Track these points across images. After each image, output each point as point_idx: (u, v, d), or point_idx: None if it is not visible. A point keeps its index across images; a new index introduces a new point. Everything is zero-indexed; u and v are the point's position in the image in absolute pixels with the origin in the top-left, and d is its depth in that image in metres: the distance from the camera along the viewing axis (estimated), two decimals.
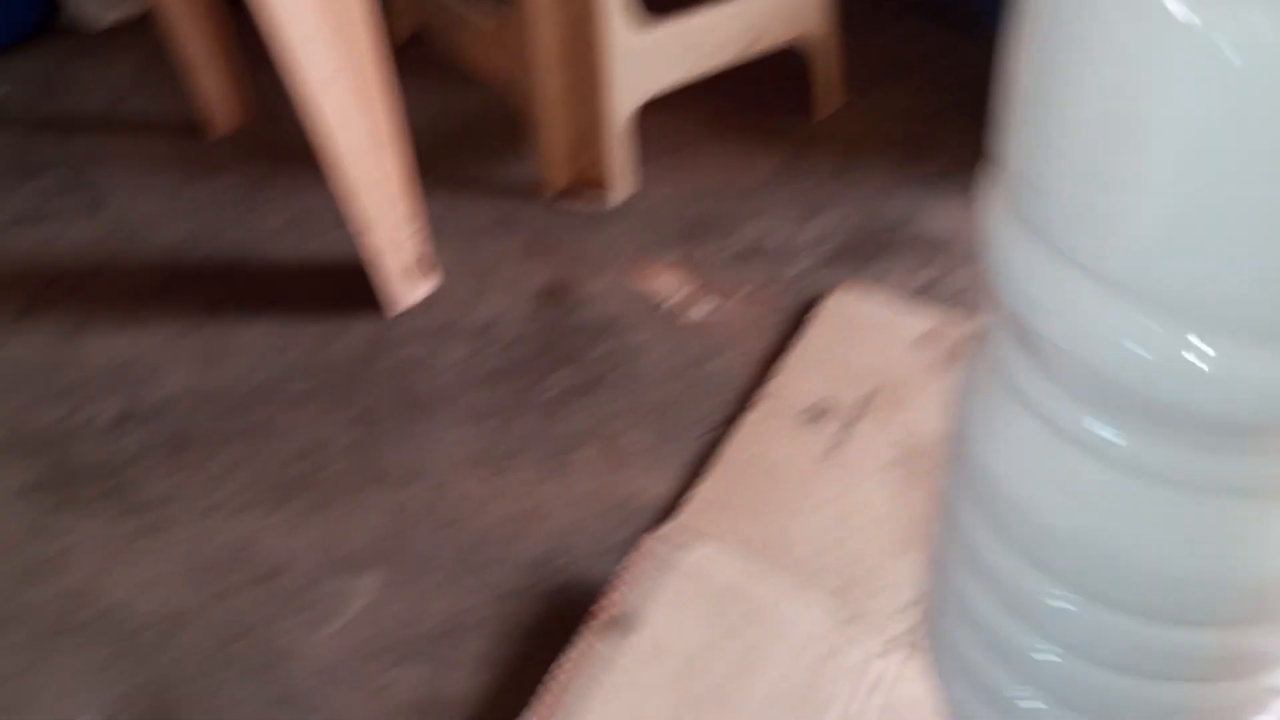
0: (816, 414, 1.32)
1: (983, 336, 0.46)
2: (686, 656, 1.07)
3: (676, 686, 1.06)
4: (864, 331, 1.43)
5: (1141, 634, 0.41)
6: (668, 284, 1.54)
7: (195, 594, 1.21)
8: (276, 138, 1.85)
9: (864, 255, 1.57)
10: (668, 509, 1.25)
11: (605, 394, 1.40)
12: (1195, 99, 0.30)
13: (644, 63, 1.59)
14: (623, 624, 1.09)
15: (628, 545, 1.22)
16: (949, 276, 1.52)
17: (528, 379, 1.42)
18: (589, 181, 1.69)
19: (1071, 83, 0.33)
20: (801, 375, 1.37)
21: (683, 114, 1.83)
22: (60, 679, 1.14)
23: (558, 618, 1.16)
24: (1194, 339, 0.32)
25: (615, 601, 1.11)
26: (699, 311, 1.50)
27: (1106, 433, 0.37)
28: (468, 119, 1.90)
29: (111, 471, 1.33)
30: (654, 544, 1.16)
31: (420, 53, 1.94)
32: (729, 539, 1.19)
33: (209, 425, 1.38)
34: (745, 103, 1.89)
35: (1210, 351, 0.31)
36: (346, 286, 1.54)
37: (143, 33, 2.12)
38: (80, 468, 1.34)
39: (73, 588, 1.22)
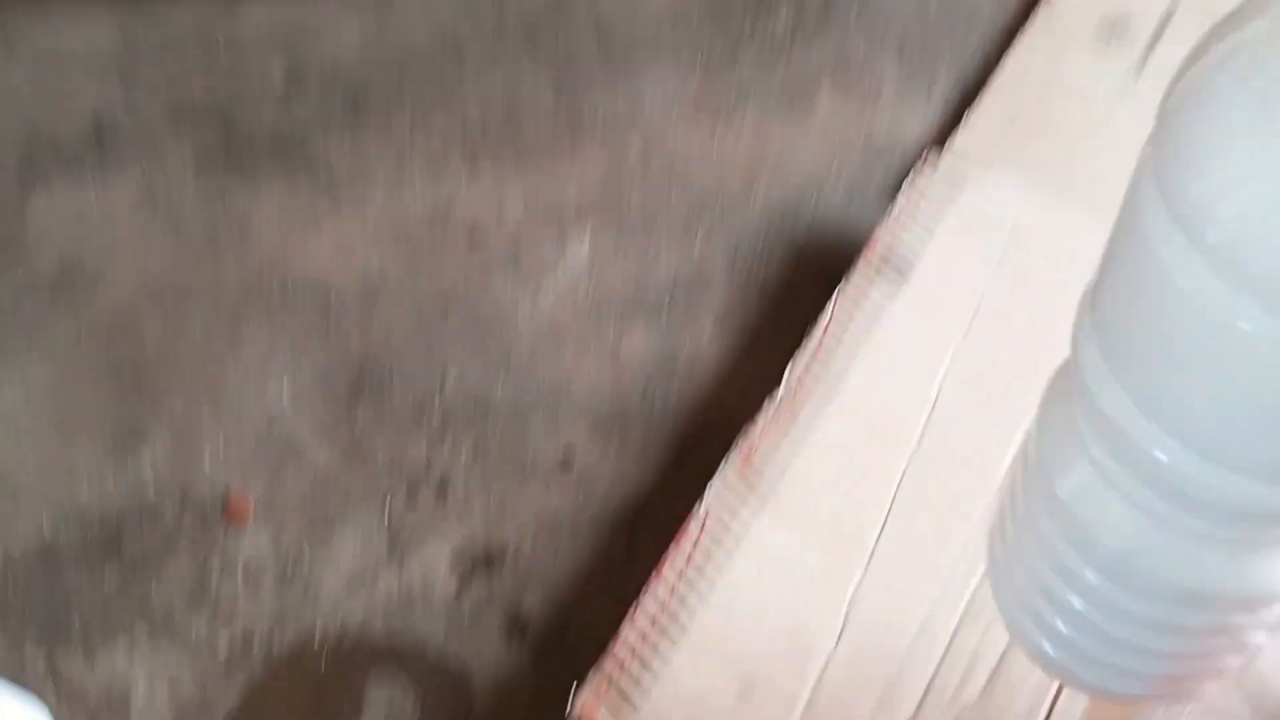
0: (1111, 31, 1.08)
1: (1065, 373, 0.55)
2: (974, 302, 0.90)
3: (962, 334, 0.88)
4: None
5: (1152, 610, 0.54)
6: None
7: (394, 260, 1.08)
8: None
9: None
10: (930, 144, 1.05)
11: (839, 28, 1.18)
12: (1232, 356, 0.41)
13: None
14: (898, 267, 0.91)
15: (886, 185, 1.03)
16: None
17: (747, 17, 1.20)
18: None
19: (1157, 324, 0.44)
20: None
21: None
22: (253, 351, 1.03)
23: (807, 268, 1.00)
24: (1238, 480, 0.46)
25: (887, 244, 0.93)
26: None
27: (1159, 504, 0.50)
28: None
29: (289, 137, 1.19)
30: (928, 178, 0.96)
31: None
32: (1014, 174, 0.98)
33: (387, 84, 1.22)
34: None
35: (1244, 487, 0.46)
36: None
37: None
38: (255, 135, 1.20)
39: (260, 258, 1.10)
